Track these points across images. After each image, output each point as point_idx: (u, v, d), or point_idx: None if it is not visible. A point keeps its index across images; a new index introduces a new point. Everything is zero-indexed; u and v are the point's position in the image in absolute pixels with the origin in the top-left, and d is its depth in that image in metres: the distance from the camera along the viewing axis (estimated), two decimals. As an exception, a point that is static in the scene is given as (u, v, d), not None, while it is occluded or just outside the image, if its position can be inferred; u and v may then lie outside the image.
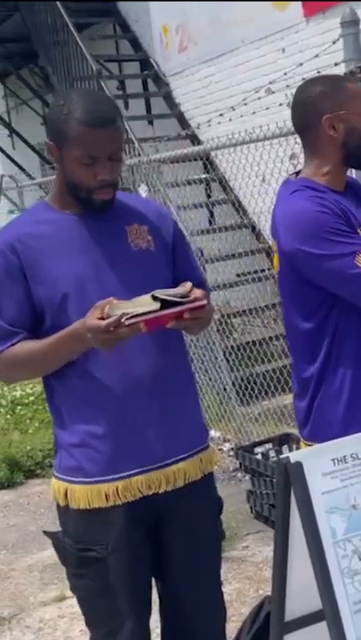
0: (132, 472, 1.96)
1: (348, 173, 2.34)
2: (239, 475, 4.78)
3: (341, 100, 2.14)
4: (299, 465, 1.54)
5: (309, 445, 2.23)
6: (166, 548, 2.06)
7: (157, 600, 2.17)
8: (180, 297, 1.85)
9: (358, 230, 2.15)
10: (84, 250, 1.97)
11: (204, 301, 1.87)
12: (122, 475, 1.96)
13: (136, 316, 1.78)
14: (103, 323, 1.78)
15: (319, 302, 2.16)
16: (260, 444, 4.35)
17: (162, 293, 1.82)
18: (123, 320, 1.77)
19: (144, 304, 1.81)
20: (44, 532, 2.16)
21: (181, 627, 2.12)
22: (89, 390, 1.96)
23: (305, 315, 2.19)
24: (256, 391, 5.50)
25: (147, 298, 1.82)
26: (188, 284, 1.89)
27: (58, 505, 2.06)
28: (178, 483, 2.01)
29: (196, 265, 2.24)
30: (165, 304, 1.81)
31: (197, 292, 1.87)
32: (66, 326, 1.91)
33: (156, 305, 1.79)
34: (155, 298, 1.80)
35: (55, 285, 1.93)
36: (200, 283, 2.05)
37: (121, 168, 2.02)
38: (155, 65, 8.70)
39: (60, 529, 2.08)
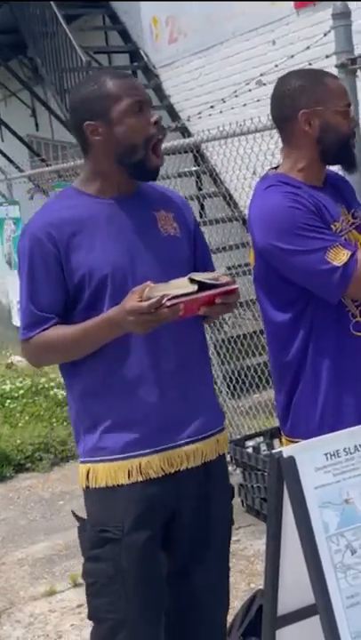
0: (154, 449, 2.01)
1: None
2: (230, 468, 4.76)
3: (319, 96, 2.14)
4: (291, 459, 1.54)
5: (290, 440, 2.23)
6: (179, 526, 2.08)
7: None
8: (214, 281, 1.89)
9: (333, 225, 2.15)
10: (119, 235, 2.02)
11: (237, 285, 1.94)
12: (144, 452, 2.00)
13: (176, 297, 1.82)
14: (145, 304, 1.82)
15: (294, 297, 2.17)
16: (252, 437, 4.36)
17: (198, 276, 1.86)
18: (164, 301, 1.80)
19: (180, 286, 1.85)
20: (73, 513, 2.18)
21: (187, 605, 2.14)
22: (113, 372, 2.00)
23: (280, 309, 2.20)
24: (247, 384, 5.50)
25: (183, 280, 1.87)
26: (220, 271, 1.93)
27: (83, 489, 2.09)
28: (196, 461, 2.05)
29: (211, 259, 2.28)
30: (201, 287, 1.85)
31: (228, 278, 1.95)
32: (100, 311, 1.97)
33: (194, 287, 1.84)
34: (192, 280, 1.84)
35: (92, 271, 1.98)
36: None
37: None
38: (144, 56, 8.66)
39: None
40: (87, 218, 2.02)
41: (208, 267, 2.19)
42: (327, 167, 2.28)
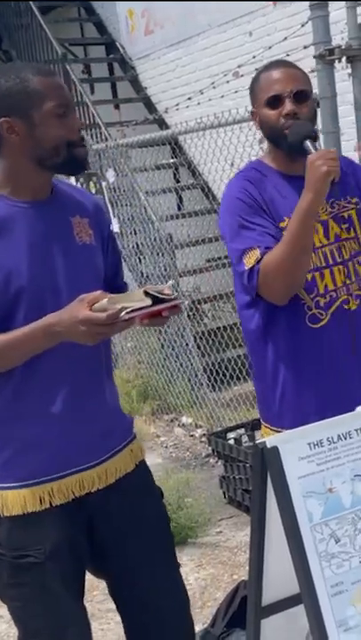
0: (64, 473, 1.92)
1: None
2: (212, 460, 4.79)
3: (252, 96, 2.21)
4: (275, 449, 1.53)
5: (266, 427, 2.29)
6: (108, 544, 2.01)
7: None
8: (164, 295, 1.85)
9: (283, 222, 2.15)
10: (35, 243, 1.88)
11: (182, 300, 1.88)
12: (54, 476, 1.91)
13: (134, 310, 1.76)
14: (103, 315, 1.70)
15: (259, 304, 2.20)
16: (233, 429, 4.36)
17: (152, 289, 1.81)
18: (122, 314, 1.73)
19: (135, 299, 1.79)
20: None
21: (146, 618, 2.06)
22: (17, 396, 1.90)
23: (244, 302, 2.24)
24: (228, 376, 5.51)
25: (139, 293, 1.80)
26: (169, 284, 1.88)
27: None
28: (110, 479, 1.98)
29: (122, 268, 2.19)
30: (153, 300, 1.81)
31: (172, 291, 1.85)
32: (11, 324, 1.83)
33: (148, 301, 1.79)
34: (147, 294, 1.80)
35: (8, 279, 1.84)
36: (123, 286, 2.12)
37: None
38: (120, 48, 8.61)
39: None
40: (2, 222, 1.86)
41: (118, 276, 2.09)
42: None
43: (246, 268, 2.10)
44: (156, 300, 1.80)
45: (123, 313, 1.74)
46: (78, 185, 5.77)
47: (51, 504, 1.91)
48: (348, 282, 2.19)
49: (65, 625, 1.94)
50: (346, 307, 2.20)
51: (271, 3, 6.41)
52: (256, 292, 2.14)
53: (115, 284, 2.08)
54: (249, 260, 2.09)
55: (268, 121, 2.15)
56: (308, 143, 2.07)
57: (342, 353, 2.20)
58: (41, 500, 1.91)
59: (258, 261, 2.08)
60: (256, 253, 2.09)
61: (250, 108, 2.27)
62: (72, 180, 5.68)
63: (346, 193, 2.24)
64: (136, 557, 2.03)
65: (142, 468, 2.09)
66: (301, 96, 2.14)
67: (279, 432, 2.07)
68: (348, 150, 3.91)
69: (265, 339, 2.21)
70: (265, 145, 2.37)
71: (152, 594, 2.04)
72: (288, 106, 2.12)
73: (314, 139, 2.10)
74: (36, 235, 1.89)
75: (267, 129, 2.17)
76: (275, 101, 2.14)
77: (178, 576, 2.13)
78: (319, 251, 2.16)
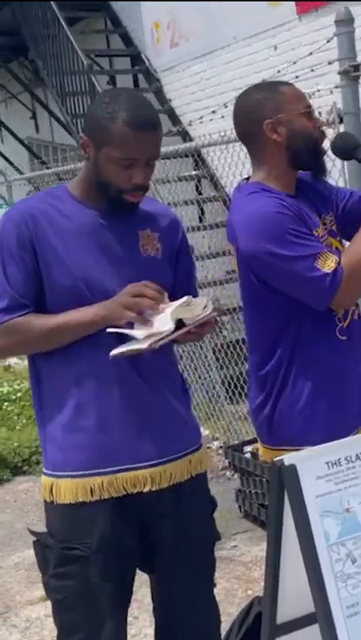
0: (117, 468, 1.96)
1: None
2: (228, 473, 4.77)
3: (280, 104, 2.17)
4: (293, 468, 1.53)
5: (270, 449, 2.25)
6: (158, 549, 2.05)
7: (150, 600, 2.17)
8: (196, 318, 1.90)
9: (315, 232, 2.16)
10: (98, 248, 1.97)
11: (214, 314, 1.93)
12: (107, 470, 1.95)
13: (161, 338, 1.83)
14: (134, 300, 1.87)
15: (278, 306, 2.16)
16: (250, 442, 4.34)
17: (185, 312, 1.86)
18: (146, 346, 1.82)
19: (176, 307, 1.86)
20: (29, 530, 2.13)
21: (177, 628, 2.11)
22: (80, 383, 1.96)
23: (263, 318, 2.20)
24: (246, 389, 5.48)
25: (195, 303, 1.88)
26: (210, 305, 1.92)
27: (45, 503, 2.05)
28: (163, 483, 1.99)
29: (195, 277, 2.24)
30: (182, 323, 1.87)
31: (210, 308, 1.92)
32: (63, 310, 1.93)
33: (171, 327, 1.84)
34: (180, 321, 1.86)
35: (65, 275, 1.93)
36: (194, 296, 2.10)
37: (152, 172, 2.01)
38: (146, 60, 8.66)
39: (45, 530, 2.05)
40: (69, 222, 1.97)
41: (188, 291, 2.09)
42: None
43: (327, 270, 2.05)
44: (182, 324, 1.85)
45: (147, 345, 1.81)
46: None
47: (102, 497, 1.94)
48: None
49: (101, 622, 1.97)
50: (356, 318, 2.23)
51: (296, 17, 6.42)
52: (330, 298, 2.09)
53: (190, 292, 2.08)
54: (326, 264, 2.06)
55: (307, 128, 2.16)
56: None
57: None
58: (92, 492, 1.94)
59: (338, 261, 2.07)
60: (330, 256, 2.07)
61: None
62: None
63: (329, 209, 2.27)
64: (178, 571, 2.06)
65: (199, 481, 2.10)
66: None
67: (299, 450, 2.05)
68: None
69: (291, 361, 2.18)
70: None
71: (187, 608, 2.08)
72: (318, 121, 2.22)
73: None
74: (99, 242, 1.97)
75: (302, 136, 2.16)
76: (308, 112, 2.18)
77: (213, 596, 2.17)
78: None
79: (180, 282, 2.11)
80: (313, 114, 2.22)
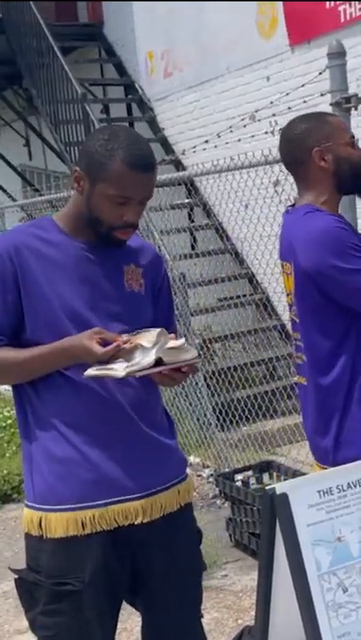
0: (108, 500, 1.93)
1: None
2: (218, 502, 4.75)
3: (327, 133, 2.29)
4: (285, 496, 1.53)
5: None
6: (147, 580, 2.03)
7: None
8: (176, 361, 1.88)
9: None
10: (83, 282, 1.96)
11: (196, 361, 1.91)
12: (99, 503, 1.93)
13: (142, 370, 1.82)
14: (101, 350, 1.81)
15: (340, 320, 2.22)
16: (241, 470, 4.33)
17: (163, 351, 1.84)
18: (124, 373, 1.80)
19: (149, 339, 1.84)
20: (10, 569, 2.06)
21: None
22: (67, 414, 1.94)
23: (325, 334, 2.24)
24: (237, 417, 5.49)
25: (152, 334, 1.85)
26: (194, 353, 1.91)
27: (28, 537, 1.98)
28: (154, 514, 1.98)
29: (174, 313, 2.24)
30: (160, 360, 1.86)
31: (192, 352, 1.90)
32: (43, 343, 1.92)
33: (151, 362, 1.83)
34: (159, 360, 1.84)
35: (48, 308, 1.92)
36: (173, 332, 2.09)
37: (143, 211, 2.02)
38: (139, 90, 8.75)
39: (24, 566, 2.00)
40: (55, 252, 1.96)
41: (168, 325, 2.08)
42: None
43: None
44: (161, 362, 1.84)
45: (125, 372, 1.80)
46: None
47: (94, 531, 1.92)
48: None
49: None
50: None
51: (289, 49, 6.51)
52: None
53: (168, 328, 2.07)
54: None
55: (352, 156, 2.28)
56: None
57: None
58: (83, 525, 1.91)
59: None
60: None
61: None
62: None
63: None
64: (167, 602, 2.04)
65: (187, 511, 2.09)
66: None
67: None
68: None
69: (354, 375, 2.22)
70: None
71: (176, 638, 2.07)
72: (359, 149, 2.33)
73: None
74: (84, 276, 1.97)
75: (348, 163, 2.27)
76: (352, 142, 2.30)
77: (201, 626, 2.15)
78: None
79: (160, 316, 2.09)
80: (356, 144, 2.33)
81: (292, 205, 2.38)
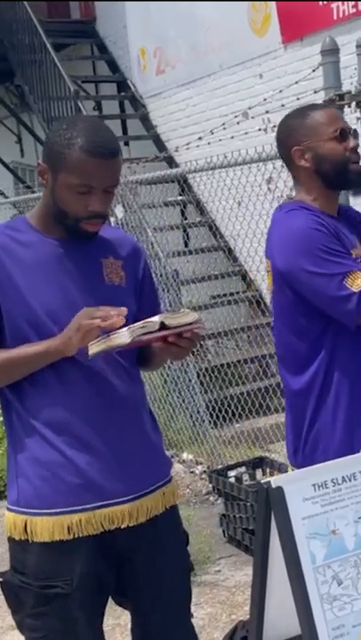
0: (95, 505, 1.91)
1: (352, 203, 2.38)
2: (212, 498, 4.76)
3: (307, 130, 2.21)
4: (280, 490, 1.53)
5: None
6: (134, 582, 2.02)
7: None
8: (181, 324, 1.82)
9: (352, 252, 2.18)
10: (60, 279, 1.92)
11: (197, 326, 1.84)
12: (85, 507, 1.90)
13: (142, 334, 1.76)
14: (99, 311, 1.78)
15: (314, 322, 2.17)
16: (234, 467, 4.34)
17: (169, 319, 1.79)
18: (129, 340, 1.74)
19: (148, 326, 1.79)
20: None
21: None
22: (52, 417, 1.91)
23: (299, 335, 2.21)
24: (230, 414, 5.50)
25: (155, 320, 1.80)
26: (187, 311, 1.85)
27: (12, 541, 1.96)
28: (140, 518, 1.97)
29: (159, 304, 2.20)
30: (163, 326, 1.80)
31: (195, 317, 1.84)
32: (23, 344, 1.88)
33: (155, 326, 1.78)
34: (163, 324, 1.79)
35: (27, 309, 1.88)
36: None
37: (112, 201, 1.98)
38: (132, 87, 8.75)
39: (7, 567, 1.98)
40: (32, 255, 1.92)
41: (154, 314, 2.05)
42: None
43: (355, 289, 2.07)
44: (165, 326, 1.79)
45: (130, 336, 1.74)
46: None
47: (80, 535, 1.90)
48: None
49: None
50: None
51: (282, 46, 6.52)
52: (358, 317, 2.10)
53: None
54: (355, 283, 2.08)
55: (333, 154, 2.18)
56: None
57: None
58: (69, 530, 1.90)
59: None
60: (359, 274, 2.09)
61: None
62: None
63: None
64: (155, 603, 2.03)
65: (172, 513, 2.08)
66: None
67: None
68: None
69: (326, 376, 2.19)
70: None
71: (165, 638, 2.05)
72: (352, 140, 2.21)
73: None
74: (61, 272, 1.93)
75: (328, 162, 2.19)
76: (343, 135, 2.20)
77: (191, 626, 2.14)
78: None
79: (145, 307, 2.06)
80: (346, 135, 2.22)
81: (291, 198, 2.34)
